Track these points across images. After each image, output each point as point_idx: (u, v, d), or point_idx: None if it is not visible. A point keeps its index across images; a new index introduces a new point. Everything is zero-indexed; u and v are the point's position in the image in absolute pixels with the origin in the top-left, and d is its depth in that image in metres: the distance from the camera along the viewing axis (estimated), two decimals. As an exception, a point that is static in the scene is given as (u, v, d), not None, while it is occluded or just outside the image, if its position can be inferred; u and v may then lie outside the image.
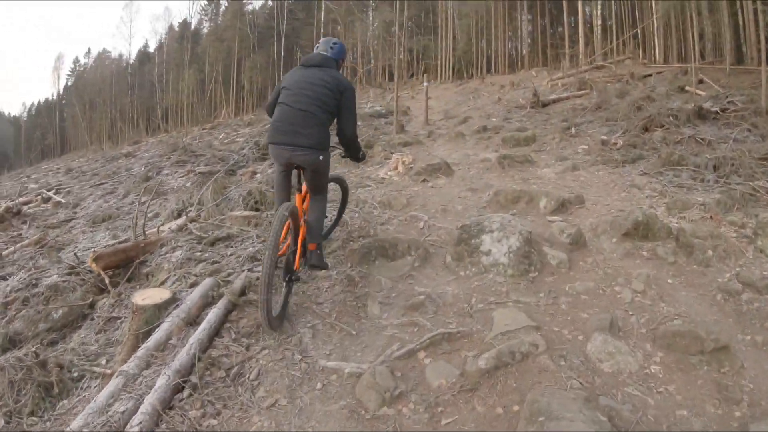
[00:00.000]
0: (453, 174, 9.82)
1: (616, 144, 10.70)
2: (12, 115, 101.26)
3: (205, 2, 63.87)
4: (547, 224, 6.52)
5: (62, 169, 33.10)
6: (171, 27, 65.55)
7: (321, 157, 4.54)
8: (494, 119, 17.79)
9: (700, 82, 16.83)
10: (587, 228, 6.31)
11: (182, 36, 62.13)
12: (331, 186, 5.70)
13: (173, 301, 4.86)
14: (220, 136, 27.75)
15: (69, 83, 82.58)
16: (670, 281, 5.10)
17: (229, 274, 5.58)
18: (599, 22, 31.20)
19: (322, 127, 4.53)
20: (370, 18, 51.80)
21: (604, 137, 11.46)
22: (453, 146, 13.91)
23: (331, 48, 4.91)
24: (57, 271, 7.52)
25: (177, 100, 59.78)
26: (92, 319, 5.91)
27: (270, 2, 59.34)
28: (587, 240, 5.96)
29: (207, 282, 5.18)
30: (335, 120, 4.74)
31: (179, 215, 9.32)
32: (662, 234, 5.78)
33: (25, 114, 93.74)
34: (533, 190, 7.62)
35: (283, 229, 4.16)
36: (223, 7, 63.10)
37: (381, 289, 5.21)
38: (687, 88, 16.09)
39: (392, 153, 11.85)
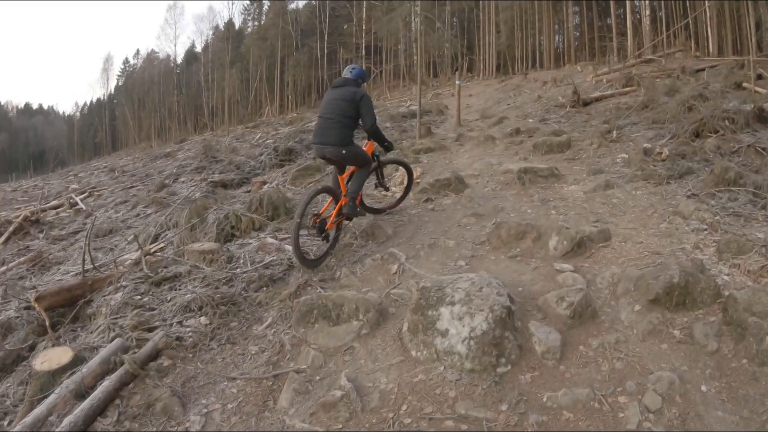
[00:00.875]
0: (464, 191, 8.51)
1: (660, 154, 9.14)
2: (66, 114, 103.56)
3: (248, 2, 63.50)
4: (553, 276, 5.04)
5: (107, 168, 33.02)
6: (216, 27, 65.48)
7: (344, 151, 6.10)
8: (531, 120, 16.29)
9: (759, 77, 15.00)
10: (605, 284, 4.78)
11: (226, 36, 61.81)
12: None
13: (72, 366, 4.27)
14: (257, 137, 26.87)
15: (120, 83, 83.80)
16: (704, 388, 3.46)
17: (151, 329, 4.69)
18: (648, 12, 29.05)
19: (342, 130, 6.09)
20: (411, 14, 50.22)
21: (648, 145, 9.91)
22: (479, 152, 12.53)
23: (351, 72, 6.55)
24: (14, 305, 6.64)
25: (222, 98, 59.66)
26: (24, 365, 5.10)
27: (313, 1, 58.39)
28: (600, 305, 4.43)
29: (113, 345, 4.38)
30: (359, 121, 6.36)
31: (156, 239, 8.30)
32: (706, 299, 4.18)
33: (78, 113, 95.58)
34: (542, 225, 6.05)
35: (310, 200, 5.85)
36: (266, 7, 62.56)
37: (307, 366, 4.15)
38: (744, 84, 14.29)
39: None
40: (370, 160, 6.72)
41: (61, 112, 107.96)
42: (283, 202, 9.10)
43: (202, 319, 4.89)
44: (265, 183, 13.51)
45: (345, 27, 52.75)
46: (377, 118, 6.69)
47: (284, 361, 4.27)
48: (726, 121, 10.10)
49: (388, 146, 6.96)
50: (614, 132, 12.02)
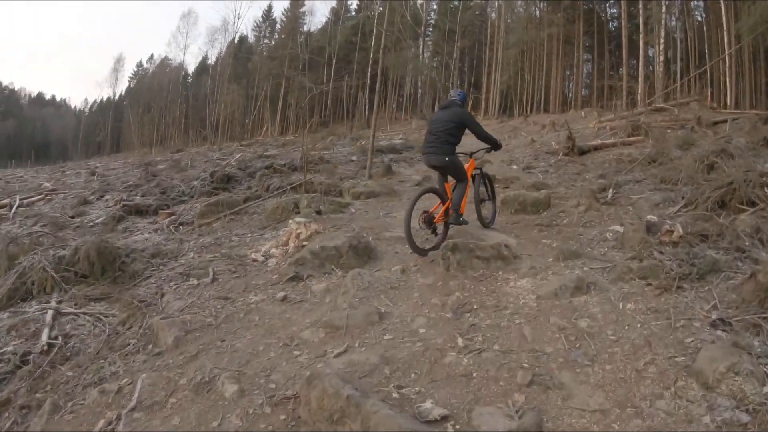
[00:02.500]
0: (362, 266, 5.61)
1: (671, 232, 5.95)
2: (77, 109, 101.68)
3: (260, 20, 61.23)
4: None
5: (89, 170, 30.38)
6: (232, 41, 63.20)
7: (446, 159, 6.48)
8: (515, 166, 13.22)
9: (792, 134, 11.89)
10: None
11: (236, 51, 59.48)
12: None
13: None
14: (237, 156, 24.01)
15: (132, 85, 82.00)
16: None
17: None
18: (662, 59, 26.05)
19: (446, 144, 6.48)
20: (420, 47, 47.72)
21: (652, 217, 6.72)
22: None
23: (458, 95, 7.02)
24: None
25: (226, 113, 57.28)
26: None
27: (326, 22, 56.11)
28: None
29: None
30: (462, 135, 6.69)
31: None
32: None
33: (87, 109, 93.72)
34: (380, 412, 2.83)
35: (416, 201, 6.28)
36: (278, 26, 60.26)
37: None
38: (776, 142, 11.20)
39: (297, 218, 7.65)
40: (466, 176, 6.89)
41: (72, 106, 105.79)
42: (113, 258, 6.17)
43: None
44: (172, 215, 10.69)
45: (354, 56, 50.20)
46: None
47: None
48: (765, 189, 7.01)
49: (497, 146, 7.42)
50: (610, 191, 8.99)
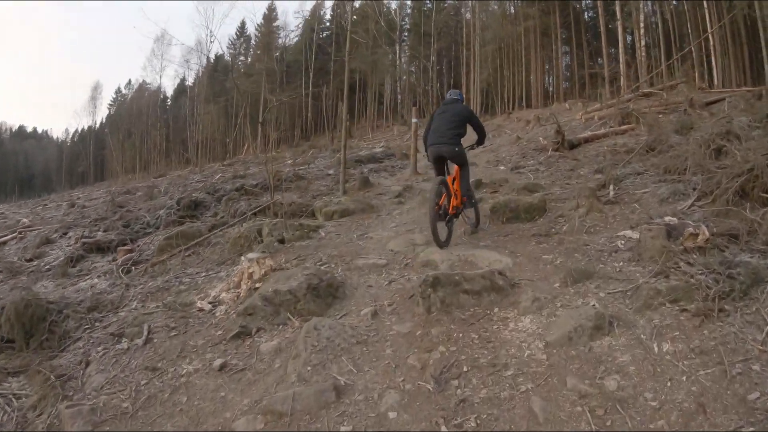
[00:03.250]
0: (325, 311, 4.71)
1: (696, 237, 4.89)
2: (59, 140, 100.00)
3: (234, 37, 60.06)
4: None
5: (71, 201, 29.17)
6: (207, 61, 62.03)
7: (456, 149, 6.81)
8: (502, 167, 12.18)
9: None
10: None
11: (213, 70, 58.33)
12: None
13: None
14: (216, 177, 22.89)
15: (112, 112, 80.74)
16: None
17: None
18: (642, 43, 25.10)
19: (455, 136, 6.81)
20: (397, 52, 46.76)
21: (672, 219, 5.64)
22: (415, 218, 8.46)
23: (458, 95, 7.43)
24: None
25: (206, 134, 56.12)
26: None
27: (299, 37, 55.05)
28: None
29: None
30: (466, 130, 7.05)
31: None
32: None
33: (69, 139, 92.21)
34: None
35: (441, 193, 6.41)
36: (253, 41, 59.17)
37: None
38: (783, 118, 10.20)
39: (249, 255, 6.53)
40: (467, 161, 7.20)
41: (54, 137, 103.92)
42: (41, 317, 5.14)
43: None
44: (131, 252, 9.65)
45: (330, 66, 49.13)
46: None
47: None
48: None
49: (481, 141, 7.64)
50: (611, 187, 7.99)
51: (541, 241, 6.28)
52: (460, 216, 7.16)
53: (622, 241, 5.67)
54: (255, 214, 10.72)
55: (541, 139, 14.21)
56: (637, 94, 18.10)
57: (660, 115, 13.97)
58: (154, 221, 12.18)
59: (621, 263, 4.96)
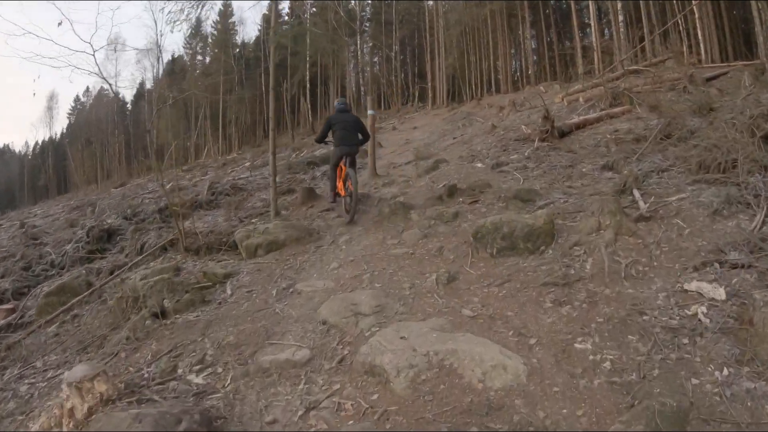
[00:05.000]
0: None
1: None
2: (21, 153, 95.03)
3: (188, 37, 56.58)
4: None
5: (21, 221, 26.25)
6: (160, 62, 58.66)
7: (358, 148, 8.28)
8: (479, 164, 9.69)
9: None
10: None
11: (170, 71, 54.95)
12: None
13: None
14: (169, 185, 20.04)
15: (72, 121, 76.77)
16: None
17: None
18: (621, 18, 22.79)
19: (357, 137, 8.32)
20: (358, 44, 44.02)
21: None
22: (362, 256, 5.94)
23: (345, 104, 8.67)
24: None
25: (166, 138, 52.99)
26: None
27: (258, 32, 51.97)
28: None
29: None
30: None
31: None
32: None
33: (30, 153, 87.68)
34: None
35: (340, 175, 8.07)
36: (210, 40, 55.82)
37: None
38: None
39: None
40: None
41: (17, 151, 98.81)
42: None
43: None
44: (12, 311, 7.16)
45: (290, 60, 46.25)
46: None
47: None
48: None
49: (363, 141, 8.69)
50: (635, 193, 5.59)
51: (560, 298, 3.87)
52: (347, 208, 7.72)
53: (702, 308, 3.27)
54: (165, 248, 8.21)
55: (523, 127, 11.73)
56: (623, 72, 15.74)
57: (656, 94, 11.70)
58: (59, 259, 9.59)
59: (725, 370, 2.55)
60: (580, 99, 13.46)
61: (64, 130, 78.55)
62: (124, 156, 60.63)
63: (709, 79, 12.71)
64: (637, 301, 3.62)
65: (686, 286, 3.66)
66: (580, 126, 10.54)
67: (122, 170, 58.31)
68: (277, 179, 12.76)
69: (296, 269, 5.85)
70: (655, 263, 4.19)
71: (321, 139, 8.61)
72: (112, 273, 8.04)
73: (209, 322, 4.80)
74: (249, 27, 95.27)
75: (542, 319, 3.64)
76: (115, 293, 6.11)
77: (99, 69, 7.45)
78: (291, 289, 5.25)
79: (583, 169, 7.47)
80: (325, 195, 9.26)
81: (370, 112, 11.39)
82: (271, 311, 4.78)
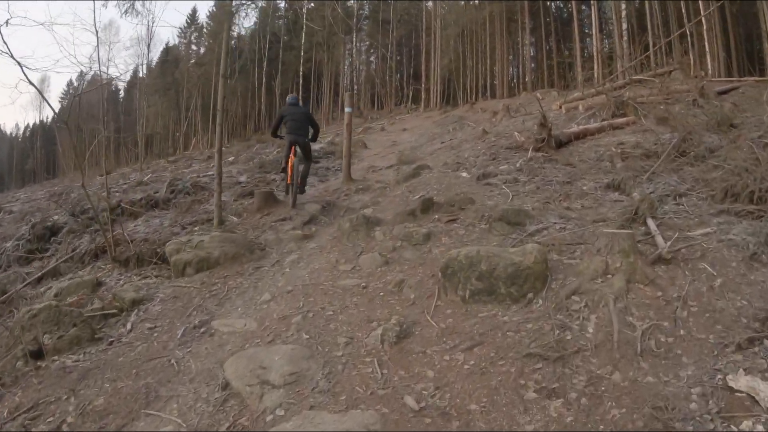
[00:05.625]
0: None
1: None
2: (12, 135, 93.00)
3: (184, 25, 55.10)
4: None
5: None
6: (148, 48, 57.11)
7: (306, 140, 8.53)
8: (464, 173, 8.44)
9: None
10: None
11: (163, 60, 53.51)
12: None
13: None
14: (147, 177, 18.81)
15: (64, 105, 75.18)
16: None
17: None
18: (625, 26, 21.64)
19: (306, 130, 8.55)
20: (353, 41, 42.79)
21: None
22: (305, 283, 4.69)
23: (295, 99, 9.00)
24: None
25: (155, 127, 51.53)
26: None
27: (254, 25, 50.54)
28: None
29: None
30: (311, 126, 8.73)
31: None
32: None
33: (20, 135, 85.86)
34: None
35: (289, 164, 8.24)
36: (205, 30, 54.38)
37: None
38: None
39: None
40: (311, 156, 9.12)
41: (8, 133, 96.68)
42: None
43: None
44: None
45: (285, 55, 44.94)
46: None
47: None
48: None
49: (314, 137, 9.00)
50: (648, 221, 4.44)
51: (550, 383, 2.68)
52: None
53: (758, 427, 2.09)
54: (97, 255, 6.97)
55: (516, 134, 10.49)
56: (627, 82, 14.55)
57: (662, 106, 10.55)
58: None
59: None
60: (580, 107, 12.26)
61: (54, 114, 76.85)
62: (112, 144, 59.12)
63: (720, 93, 11.54)
64: (659, 399, 2.42)
65: (731, 382, 2.46)
66: (579, 136, 9.35)
67: (110, 158, 56.84)
68: (245, 179, 11.56)
69: (221, 298, 4.64)
70: (682, 331, 2.99)
71: (274, 132, 8.88)
72: (41, 280, 6.91)
73: (87, 371, 3.60)
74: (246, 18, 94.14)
75: (520, 421, 2.43)
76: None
77: (7, 47, 6.11)
78: (204, 328, 4.05)
79: (584, 187, 6.26)
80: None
81: (347, 109, 10.19)
82: (166, 361, 3.58)
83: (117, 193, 13.05)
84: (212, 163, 23.28)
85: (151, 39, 39.56)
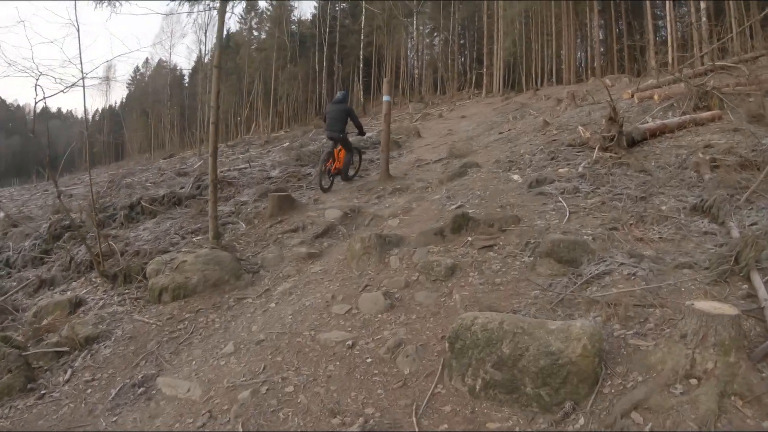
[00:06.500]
0: None
1: None
2: (81, 119, 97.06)
3: (243, 12, 54.94)
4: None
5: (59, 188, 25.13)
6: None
7: (341, 135, 9.08)
8: (516, 175, 7.13)
9: None
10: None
11: (225, 45, 53.55)
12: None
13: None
14: (197, 165, 18.23)
15: (131, 90, 77.25)
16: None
17: None
18: (703, 6, 19.38)
19: (341, 126, 9.08)
20: (414, 24, 41.26)
21: None
22: (277, 335, 3.63)
23: (343, 95, 9.72)
24: None
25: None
26: None
27: (315, 10, 49.74)
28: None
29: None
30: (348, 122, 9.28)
31: None
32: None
33: (90, 119, 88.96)
34: None
35: (328, 159, 8.98)
36: (264, 14, 54.05)
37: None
38: None
39: None
40: (352, 147, 9.57)
41: (78, 118, 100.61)
42: None
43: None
44: None
45: (346, 39, 43.97)
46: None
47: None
48: None
49: (360, 132, 9.95)
50: (752, 277, 3.06)
51: None
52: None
53: None
54: (91, 265, 6.13)
55: (580, 128, 8.99)
56: (709, 68, 12.69)
57: (750, 98, 8.92)
58: (15, 257, 7.69)
59: None
60: (655, 97, 10.61)
61: (123, 100, 79.20)
62: (177, 128, 60.04)
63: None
64: None
65: None
66: (656, 133, 7.86)
67: (174, 142, 57.75)
68: (276, 173, 10.57)
69: (180, 343, 3.68)
70: None
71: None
72: (38, 289, 6.21)
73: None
74: (305, 4, 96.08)
75: None
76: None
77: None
78: (143, 388, 3.15)
79: (663, 206, 4.88)
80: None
81: (385, 98, 9.04)
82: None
83: (151, 184, 12.30)
84: (269, 147, 22.68)
85: (207, 26, 39.69)
